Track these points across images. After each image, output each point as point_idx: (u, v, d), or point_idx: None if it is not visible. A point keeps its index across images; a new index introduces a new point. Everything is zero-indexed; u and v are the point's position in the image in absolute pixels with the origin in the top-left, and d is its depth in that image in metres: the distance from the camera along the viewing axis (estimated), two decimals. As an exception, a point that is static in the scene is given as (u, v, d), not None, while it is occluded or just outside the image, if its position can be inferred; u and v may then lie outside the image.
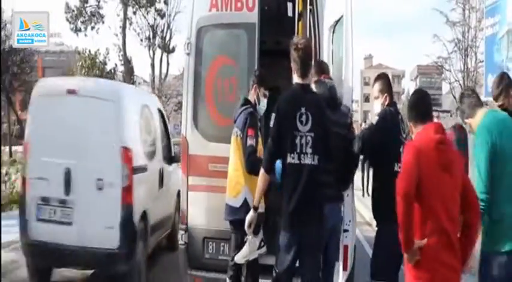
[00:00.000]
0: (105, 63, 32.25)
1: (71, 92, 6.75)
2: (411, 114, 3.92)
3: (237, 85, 6.07)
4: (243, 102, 5.54)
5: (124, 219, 6.48)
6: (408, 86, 78.39)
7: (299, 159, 4.52)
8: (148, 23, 39.84)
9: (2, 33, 22.70)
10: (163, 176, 8.23)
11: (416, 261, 3.55)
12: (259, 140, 5.40)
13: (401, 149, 4.74)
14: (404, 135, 5.02)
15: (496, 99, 4.78)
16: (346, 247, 5.14)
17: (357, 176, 9.27)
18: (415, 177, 3.52)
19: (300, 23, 6.03)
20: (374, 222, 5.26)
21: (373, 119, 5.37)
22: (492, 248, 4.10)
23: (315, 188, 4.55)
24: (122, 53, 37.21)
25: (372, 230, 8.70)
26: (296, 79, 4.69)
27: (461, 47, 30.24)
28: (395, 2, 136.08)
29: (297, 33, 6.04)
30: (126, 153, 6.57)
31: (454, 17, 30.55)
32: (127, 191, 6.51)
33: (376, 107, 5.31)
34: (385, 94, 5.20)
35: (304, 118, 4.54)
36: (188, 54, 6.22)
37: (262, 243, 5.09)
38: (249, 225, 4.87)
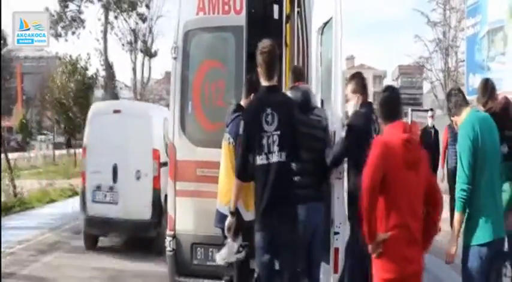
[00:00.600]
0: (86, 69, 31.89)
1: (116, 111, 9.71)
2: (380, 113, 3.99)
3: (225, 89, 6.02)
4: (235, 108, 5.46)
5: (154, 199, 9.17)
6: (390, 87, 78.94)
7: (267, 159, 4.58)
8: (130, 27, 39.74)
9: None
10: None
11: (380, 254, 3.62)
12: None
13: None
14: (375, 135, 5.00)
15: (484, 105, 5.00)
16: (336, 250, 5.10)
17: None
18: (380, 172, 3.60)
19: (288, 25, 5.99)
20: None
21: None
22: (472, 240, 4.27)
23: (284, 186, 4.59)
24: (103, 57, 37.01)
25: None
26: (263, 82, 4.75)
27: (442, 46, 30.61)
28: (377, 4, 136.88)
29: (285, 35, 6.00)
30: (155, 153, 9.26)
31: (435, 18, 30.96)
32: (156, 179, 9.18)
33: (350, 108, 5.33)
34: (358, 95, 5.18)
35: (269, 118, 4.59)
36: (175, 58, 6.16)
37: (241, 248, 5.05)
38: (228, 230, 4.94)
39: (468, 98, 5.16)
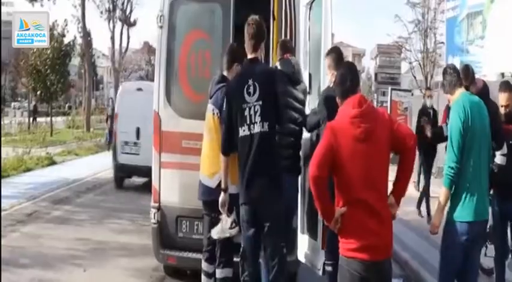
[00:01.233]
0: (63, 35, 31.27)
1: (139, 89, 13.71)
2: (337, 92, 3.92)
3: (211, 60, 5.92)
4: (219, 79, 5.39)
5: None
6: (368, 65, 79.20)
7: (249, 130, 4.61)
8: (108, -5, 38.93)
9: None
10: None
11: (340, 229, 3.65)
12: None
13: None
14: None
15: (467, 88, 4.96)
16: (326, 226, 5.11)
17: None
18: (327, 159, 3.61)
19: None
20: None
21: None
22: (454, 216, 4.44)
23: (267, 157, 4.59)
24: (81, 25, 36.32)
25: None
26: (248, 55, 4.78)
27: (421, 27, 30.68)
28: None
29: (272, 8, 5.91)
30: None
31: (415, -2, 30.87)
32: None
33: (327, 83, 5.28)
34: (332, 71, 5.09)
35: (251, 89, 4.60)
36: (161, 27, 6.02)
37: (234, 224, 5.04)
38: (222, 206, 4.96)
39: None
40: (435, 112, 10.80)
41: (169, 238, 5.96)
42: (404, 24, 30.96)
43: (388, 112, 4.11)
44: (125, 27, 40.77)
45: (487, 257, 6.27)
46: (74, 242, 8.27)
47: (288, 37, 6.00)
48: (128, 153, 13.25)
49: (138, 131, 13.10)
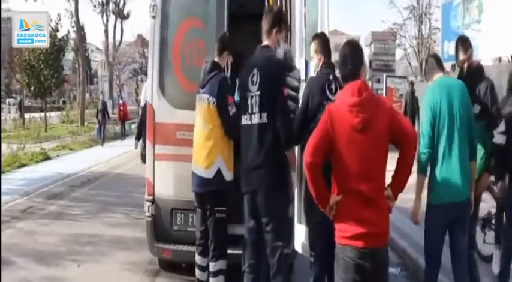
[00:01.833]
0: (57, 30, 31.02)
1: None
2: (339, 73, 3.79)
3: (205, 49, 5.77)
4: (212, 67, 5.27)
5: None
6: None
7: (250, 119, 4.61)
8: (102, -12, 38.70)
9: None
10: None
11: (335, 216, 3.59)
12: None
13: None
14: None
15: (468, 58, 5.11)
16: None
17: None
18: (322, 145, 3.53)
19: (271, -16, 5.76)
20: None
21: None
22: (431, 199, 4.59)
23: (267, 148, 4.53)
24: (74, 19, 36.10)
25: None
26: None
27: (416, 13, 30.65)
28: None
29: (267, -5, 5.79)
30: None
31: (409, -16, 30.83)
32: None
33: (312, 68, 5.23)
34: (319, 55, 4.97)
35: (255, 78, 4.60)
36: (153, 17, 5.89)
37: None
38: None
39: (443, 64, 5.14)
40: None
41: (163, 231, 5.85)
42: (399, 11, 30.99)
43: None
44: (119, 20, 40.51)
45: (486, 243, 6.18)
46: (68, 237, 8.16)
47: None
48: None
49: None
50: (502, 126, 5.09)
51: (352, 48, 3.75)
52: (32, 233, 8.51)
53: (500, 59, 14.01)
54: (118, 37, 41.64)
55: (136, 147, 9.71)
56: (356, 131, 3.47)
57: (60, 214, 9.87)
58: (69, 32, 34.42)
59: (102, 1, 38.82)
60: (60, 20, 31.23)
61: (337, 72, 4.68)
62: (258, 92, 4.51)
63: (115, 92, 43.60)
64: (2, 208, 9.95)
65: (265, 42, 4.74)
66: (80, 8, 36.01)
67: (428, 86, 4.76)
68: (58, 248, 7.63)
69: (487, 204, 6.25)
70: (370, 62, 73.94)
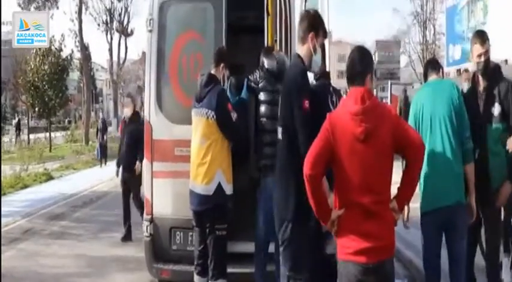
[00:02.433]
0: (60, 50, 31.16)
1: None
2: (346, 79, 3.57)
3: (203, 63, 5.64)
4: (208, 80, 5.14)
5: None
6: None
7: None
8: (105, 7, 38.95)
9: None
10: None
11: (337, 232, 3.42)
12: None
13: None
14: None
15: (486, 53, 4.80)
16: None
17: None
18: (323, 156, 3.34)
19: (270, -7, 5.62)
20: None
21: None
22: (420, 208, 4.55)
23: (282, 174, 4.21)
24: (78, 38, 36.23)
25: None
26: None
27: (420, 19, 30.62)
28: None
29: (267, 4, 5.65)
30: None
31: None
32: None
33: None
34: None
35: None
36: (150, 31, 5.78)
37: None
38: None
39: (448, 69, 4.98)
40: None
41: (162, 251, 5.70)
42: (403, 17, 31.01)
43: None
44: (123, 38, 40.69)
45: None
46: (69, 259, 8.00)
47: (284, 33, 5.76)
48: None
49: None
50: None
51: (362, 53, 3.55)
52: (32, 254, 8.34)
53: (506, 61, 13.83)
54: (122, 55, 41.79)
55: (117, 175, 9.48)
56: (358, 140, 3.28)
57: (61, 235, 9.71)
58: (72, 51, 34.55)
59: (106, 20, 39.05)
60: (64, 40, 31.43)
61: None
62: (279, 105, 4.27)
63: (120, 110, 43.68)
64: (3, 230, 9.79)
65: (298, 50, 4.22)
66: (84, 27, 36.10)
67: (415, 93, 4.74)
68: (58, 270, 7.46)
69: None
70: (375, 70, 73.91)
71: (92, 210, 12.31)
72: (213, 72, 5.18)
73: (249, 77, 5.36)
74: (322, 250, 4.24)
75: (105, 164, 21.20)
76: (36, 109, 30.91)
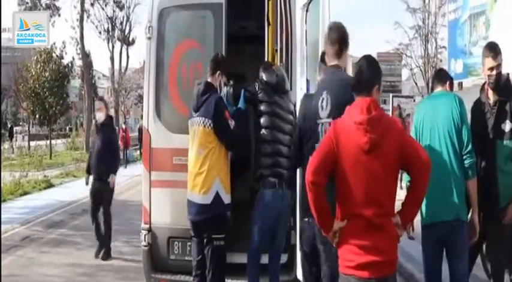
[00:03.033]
0: (61, 58, 31.22)
1: None
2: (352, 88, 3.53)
3: (203, 71, 5.59)
4: (205, 88, 5.12)
5: None
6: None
7: None
8: (107, 15, 39.04)
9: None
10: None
11: (338, 243, 3.36)
12: None
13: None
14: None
15: (498, 67, 4.71)
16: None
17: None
18: (326, 164, 3.29)
19: (270, 2, 5.60)
20: None
21: None
22: (421, 220, 4.47)
23: None
24: (79, 46, 36.28)
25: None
26: (328, 62, 4.27)
27: (421, 33, 30.59)
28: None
29: (267, 13, 5.62)
30: None
31: (415, 4, 30.92)
32: None
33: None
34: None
35: (324, 103, 4.05)
36: (149, 38, 5.74)
37: None
38: None
39: None
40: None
41: (161, 261, 5.64)
42: (404, 31, 30.95)
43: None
44: (124, 47, 40.76)
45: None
46: (66, 267, 7.92)
47: (284, 43, 5.73)
48: None
49: None
50: None
51: (369, 62, 3.51)
52: (29, 262, 8.28)
53: (509, 75, 13.78)
54: (124, 63, 41.87)
55: (87, 183, 8.75)
56: (363, 151, 3.23)
57: (59, 243, 9.63)
58: (73, 58, 34.60)
59: (107, 28, 39.14)
60: (65, 47, 31.48)
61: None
62: (329, 119, 3.92)
63: (121, 118, 43.73)
64: (1, 237, 9.74)
65: (334, 62, 4.16)
66: (86, 35, 36.20)
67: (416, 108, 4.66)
68: (54, 279, 7.39)
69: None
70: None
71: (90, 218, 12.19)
72: (209, 80, 5.16)
73: (248, 88, 5.33)
74: None
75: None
76: (37, 116, 30.91)
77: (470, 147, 4.38)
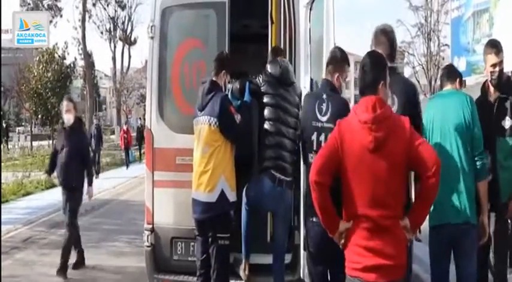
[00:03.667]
0: (63, 58, 31.29)
1: None
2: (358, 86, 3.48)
3: (206, 71, 5.56)
4: (210, 87, 5.08)
5: None
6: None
7: None
8: (109, 15, 39.07)
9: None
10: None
11: (344, 245, 3.31)
12: None
13: (313, 137, 4.29)
14: (322, 118, 4.31)
15: (500, 63, 4.77)
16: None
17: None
18: (330, 164, 3.24)
19: (274, 0, 5.57)
20: None
21: None
22: (429, 221, 4.31)
23: None
24: (81, 46, 36.32)
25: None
26: None
27: (424, 31, 30.54)
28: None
29: (270, 12, 5.58)
30: None
31: (417, 2, 30.88)
32: None
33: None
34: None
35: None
36: (152, 38, 5.70)
37: None
38: None
39: None
40: None
41: (163, 261, 5.60)
42: (407, 29, 30.88)
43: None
44: (126, 46, 40.84)
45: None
46: (68, 268, 7.84)
47: (288, 41, 5.69)
48: None
49: None
50: None
51: (375, 59, 3.43)
52: (30, 263, 8.26)
53: (512, 74, 13.75)
54: (126, 63, 41.94)
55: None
56: (368, 150, 3.15)
57: (60, 244, 9.52)
58: (75, 59, 34.67)
59: (109, 28, 39.20)
60: (67, 47, 31.53)
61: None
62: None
63: (123, 118, 43.77)
64: (3, 238, 9.71)
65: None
66: (87, 35, 36.24)
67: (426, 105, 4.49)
68: (55, 280, 7.34)
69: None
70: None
71: (93, 218, 12.23)
72: (214, 79, 5.12)
73: (252, 80, 5.29)
74: None
75: (97, 175, 20.77)
76: (39, 116, 30.95)
77: (481, 148, 4.31)
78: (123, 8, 39.16)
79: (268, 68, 5.17)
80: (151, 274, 5.67)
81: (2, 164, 21.56)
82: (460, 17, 16.56)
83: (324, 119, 4.23)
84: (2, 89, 48.71)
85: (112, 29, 39.23)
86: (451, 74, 4.71)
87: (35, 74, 30.14)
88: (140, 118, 35.13)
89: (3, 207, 13.16)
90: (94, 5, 37.85)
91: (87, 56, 36.48)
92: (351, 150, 3.21)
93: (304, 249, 4.86)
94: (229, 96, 5.27)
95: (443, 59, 28.43)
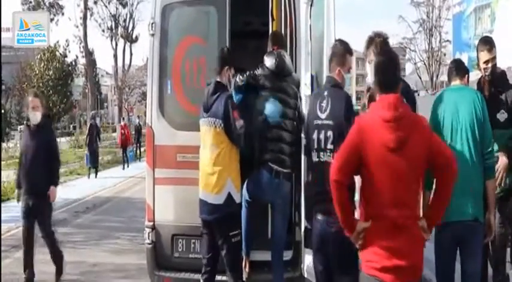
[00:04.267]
0: (65, 56, 31.33)
1: None
2: (374, 83, 3.44)
3: (207, 68, 5.55)
4: (215, 88, 5.05)
5: None
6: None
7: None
8: (110, 13, 39.11)
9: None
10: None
11: (362, 245, 3.28)
12: None
13: (314, 135, 4.23)
14: (322, 115, 4.25)
15: (493, 59, 4.82)
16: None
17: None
18: (350, 163, 3.23)
19: (274, -4, 5.54)
20: None
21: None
22: None
23: None
24: (83, 44, 36.35)
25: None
26: None
27: (425, 27, 30.56)
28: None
29: (271, 8, 5.57)
30: None
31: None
32: None
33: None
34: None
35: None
36: (152, 35, 5.69)
37: None
38: None
39: None
40: None
41: (164, 258, 5.59)
42: (408, 25, 30.93)
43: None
44: (127, 44, 40.90)
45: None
46: (68, 266, 7.80)
47: (289, 38, 5.67)
48: None
49: None
50: None
51: (391, 56, 3.44)
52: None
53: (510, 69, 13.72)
54: (127, 61, 42.02)
55: (18, 200, 7.27)
56: (389, 149, 3.12)
57: (62, 241, 9.54)
58: (77, 57, 34.68)
59: (111, 25, 39.24)
60: (68, 45, 31.55)
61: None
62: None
63: (125, 116, 43.88)
64: (3, 236, 9.70)
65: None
66: (89, 33, 36.28)
67: (434, 100, 4.44)
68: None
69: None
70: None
71: (94, 216, 12.27)
72: (218, 79, 5.09)
73: (250, 73, 5.21)
74: None
75: (96, 175, 20.67)
76: (41, 114, 30.92)
77: (491, 146, 4.29)
78: (124, 5, 39.31)
79: (265, 60, 5.16)
80: (152, 271, 5.66)
81: (3, 162, 21.61)
82: (462, 13, 16.58)
83: (323, 116, 4.20)
84: (4, 87, 49.00)
85: (113, 27, 39.33)
86: (460, 69, 4.65)
87: (37, 72, 30.22)
88: (139, 116, 35.10)
89: (3, 205, 13.16)
90: (95, 2, 37.93)
91: (89, 54, 36.54)
92: (372, 148, 3.18)
93: (306, 247, 4.86)
94: (233, 93, 5.21)
95: (444, 55, 28.50)
